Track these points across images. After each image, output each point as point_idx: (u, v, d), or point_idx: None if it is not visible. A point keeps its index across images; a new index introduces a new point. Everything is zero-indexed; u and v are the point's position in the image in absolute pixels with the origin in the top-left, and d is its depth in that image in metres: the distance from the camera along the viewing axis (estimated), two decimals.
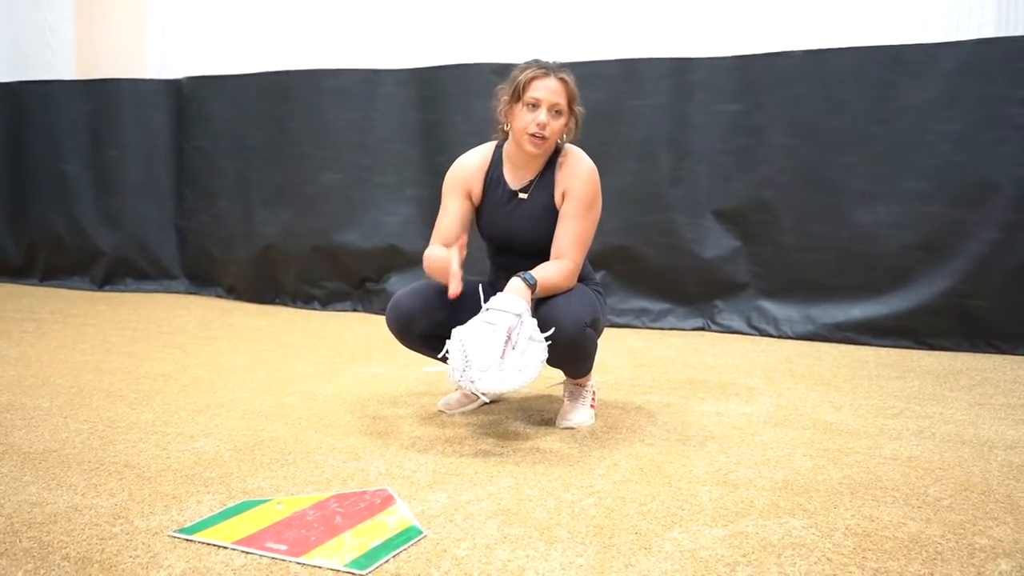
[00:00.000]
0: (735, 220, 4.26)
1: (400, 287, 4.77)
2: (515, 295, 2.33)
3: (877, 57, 3.90)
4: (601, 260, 4.34)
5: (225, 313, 4.83)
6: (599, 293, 2.67)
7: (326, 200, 4.98)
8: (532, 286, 2.37)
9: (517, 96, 2.49)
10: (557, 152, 2.60)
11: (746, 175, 4.20)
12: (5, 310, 4.82)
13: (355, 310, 4.99)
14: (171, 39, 5.46)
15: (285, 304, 5.17)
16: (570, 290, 2.49)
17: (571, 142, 2.64)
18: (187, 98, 5.46)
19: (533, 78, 2.47)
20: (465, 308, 2.57)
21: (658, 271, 4.39)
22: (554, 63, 2.53)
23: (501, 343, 2.25)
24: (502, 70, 2.61)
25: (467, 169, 2.67)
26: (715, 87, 4.20)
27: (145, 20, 5.49)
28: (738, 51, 4.15)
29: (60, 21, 5.67)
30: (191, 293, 5.56)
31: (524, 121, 2.48)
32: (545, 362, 2.33)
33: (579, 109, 2.56)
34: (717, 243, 4.30)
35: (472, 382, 2.26)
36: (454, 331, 2.32)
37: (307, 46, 4.99)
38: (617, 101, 4.34)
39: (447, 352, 2.31)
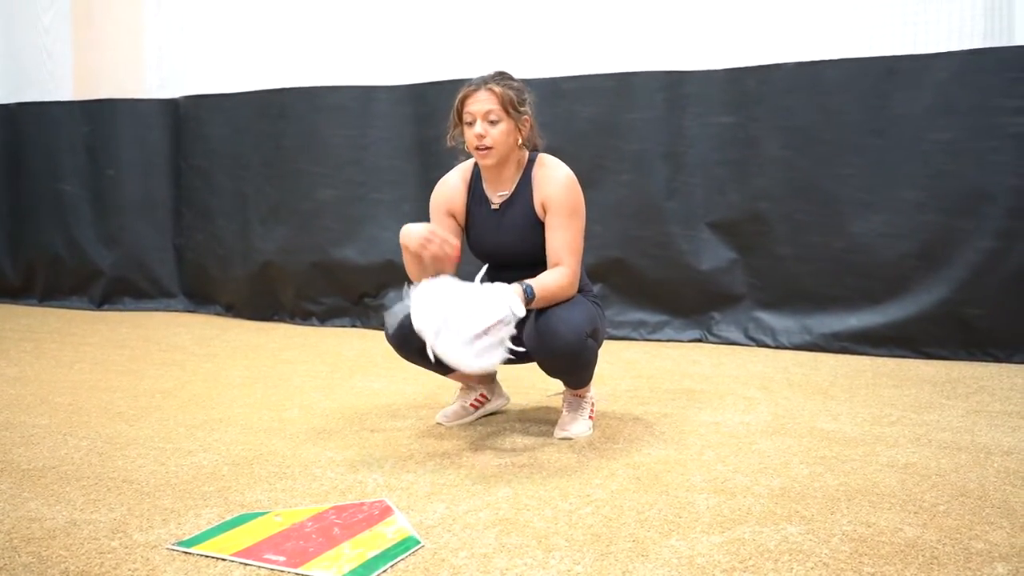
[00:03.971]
0: (731, 232, 4.28)
1: (399, 302, 4.78)
2: (519, 300, 2.34)
3: (870, 68, 3.92)
4: (598, 273, 4.35)
5: (224, 330, 4.84)
6: (597, 304, 2.68)
7: (323, 217, 5.00)
8: (531, 299, 2.38)
9: (458, 119, 2.57)
10: (532, 163, 2.62)
11: (741, 187, 4.22)
12: (4, 330, 4.83)
13: (353, 326, 4.99)
14: (168, 59, 5.49)
15: (283, 320, 5.17)
16: (570, 300, 2.50)
17: (542, 148, 2.66)
18: (184, 117, 5.49)
19: (464, 97, 2.55)
20: None
21: (655, 283, 4.40)
22: (488, 75, 2.57)
23: (484, 326, 2.24)
24: None
25: (448, 189, 2.71)
26: (709, 100, 4.22)
27: (142, 41, 5.53)
28: (731, 64, 4.18)
29: (57, 43, 5.70)
30: (189, 311, 5.57)
31: (469, 139, 2.54)
32: (499, 362, 2.31)
33: (525, 111, 2.55)
34: (713, 255, 4.31)
35: (435, 335, 2.24)
36: (447, 281, 2.31)
37: (303, 64, 5.02)
38: (611, 115, 4.36)
39: (417, 297, 2.29)
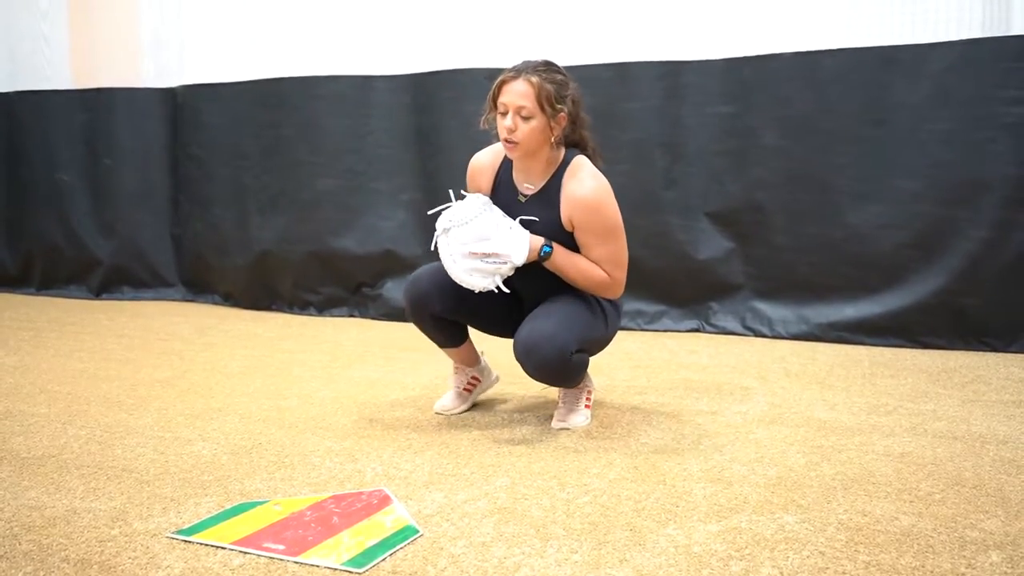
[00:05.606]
0: (728, 222, 4.28)
1: (397, 292, 4.79)
2: (525, 250, 2.44)
3: (867, 58, 3.92)
4: None
5: (222, 320, 4.84)
6: (613, 305, 2.66)
7: (322, 206, 5.00)
8: (544, 256, 2.46)
9: (493, 105, 2.49)
10: (566, 165, 2.54)
11: (739, 177, 4.22)
12: (2, 319, 4.83)
13: (351, 315, 4.99)
14: (165, 48, 5.47)
15: (281, 310, 5.17)
16: (575, 306, 2.50)
17: (591, 146, 2.60)
18: (182, 106, 5.47)
19: (503, 83, 2.46)
20: (484, 299, 2.57)
21: (652, 273, 4.41)
22: (533, 62, 2.47)
23: (483, 250, 2.41)
24: (495, 75, 2.59)
25: (476, 169, 2.68)
26: (707, 89, 4.22)
27: (139, 29, 5.51)
28: (729, 53, 4.17)
29: (55, 31, 5.68)
30: (188, 300, 5.57)
31: (499, 128, 2.47)
32: (480, 287, 2.46)
33: (561, 108, 2.45)
34: (711, 245, 4.31)
35: (444, 232, 2.45)
36: (487, 202, 2.54)
37: (301, 53, 5.00)
38: (609, 104, 4.35)
39: (461, 202, 2.52)
